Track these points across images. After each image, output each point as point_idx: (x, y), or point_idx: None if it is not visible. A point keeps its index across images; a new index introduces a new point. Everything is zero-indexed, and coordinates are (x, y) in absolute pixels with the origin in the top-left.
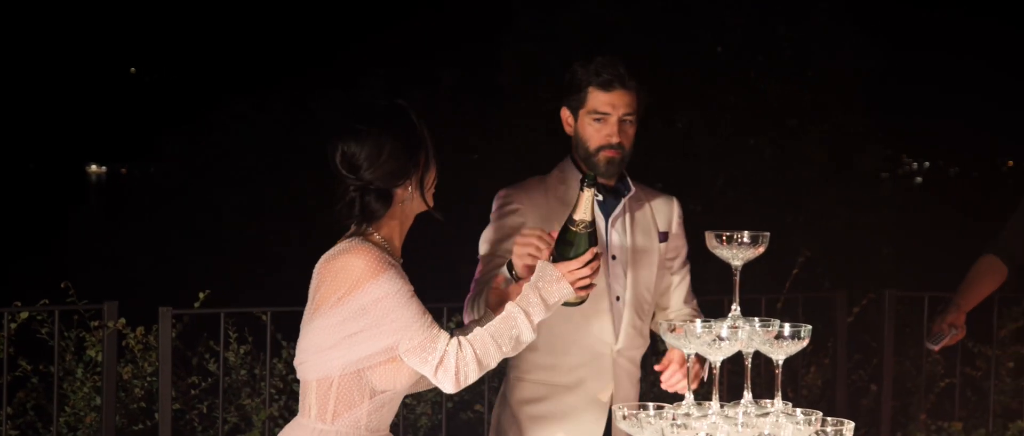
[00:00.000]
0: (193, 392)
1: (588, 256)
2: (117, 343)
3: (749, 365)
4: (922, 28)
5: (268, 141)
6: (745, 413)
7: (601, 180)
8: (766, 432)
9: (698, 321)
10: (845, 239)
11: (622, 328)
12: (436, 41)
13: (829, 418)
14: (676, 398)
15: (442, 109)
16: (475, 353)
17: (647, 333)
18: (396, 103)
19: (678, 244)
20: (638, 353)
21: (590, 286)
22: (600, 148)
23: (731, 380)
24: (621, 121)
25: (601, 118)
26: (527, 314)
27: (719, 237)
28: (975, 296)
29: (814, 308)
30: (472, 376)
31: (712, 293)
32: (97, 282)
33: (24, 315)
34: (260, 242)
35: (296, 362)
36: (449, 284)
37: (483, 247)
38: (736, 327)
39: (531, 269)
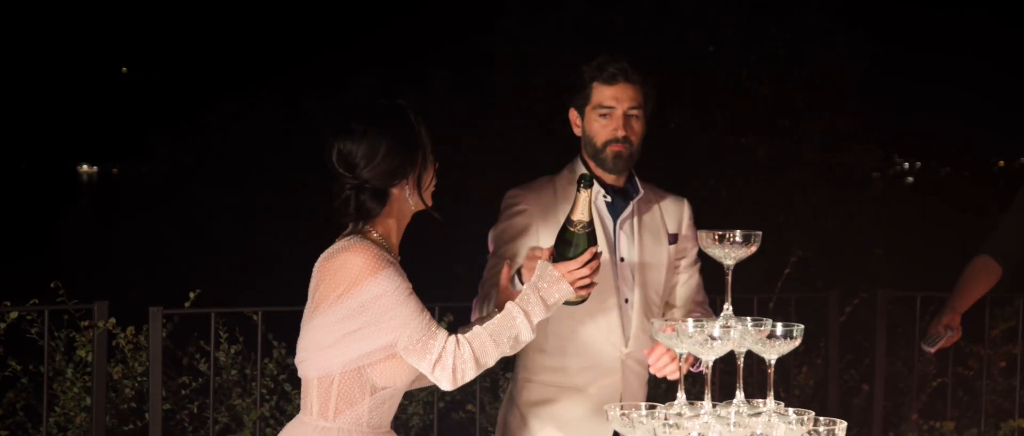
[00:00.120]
0: (183, 392)
1: (587, 256)
2: (107, 343)
3: (741, 365)
4: (913, 28)
5: (259, 141)
6: (737, 413)
7: (610, 179)
8: (758, 432)
9: (690, 321)
10: (837, 239)
11: (631, 331)
12: (428, 41)
13: (821, 418)
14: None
15: (433, 109)
16: (473, 351)
17: None
18: (395, 103)
19: (687, 245)
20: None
21: (590, 285)
22: (607, 143)
23: (723, 380)
24: (627, 115)
25: (607, 113)
26: (526, 314)
27: (711, 236)
28: (969, 297)
29: (806, 308)
30: (470, 374)
31: (705, 292)
32: (88, 282)
33: (13, 315)
34: (251, 241)
35: (297, 360)
36: (441, 284)
37: (490, 246)
38: (728, 326)
39: (532, 270)
